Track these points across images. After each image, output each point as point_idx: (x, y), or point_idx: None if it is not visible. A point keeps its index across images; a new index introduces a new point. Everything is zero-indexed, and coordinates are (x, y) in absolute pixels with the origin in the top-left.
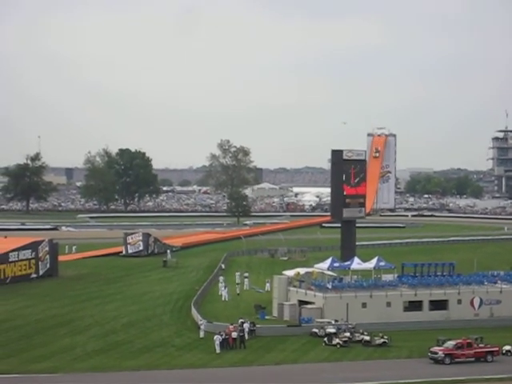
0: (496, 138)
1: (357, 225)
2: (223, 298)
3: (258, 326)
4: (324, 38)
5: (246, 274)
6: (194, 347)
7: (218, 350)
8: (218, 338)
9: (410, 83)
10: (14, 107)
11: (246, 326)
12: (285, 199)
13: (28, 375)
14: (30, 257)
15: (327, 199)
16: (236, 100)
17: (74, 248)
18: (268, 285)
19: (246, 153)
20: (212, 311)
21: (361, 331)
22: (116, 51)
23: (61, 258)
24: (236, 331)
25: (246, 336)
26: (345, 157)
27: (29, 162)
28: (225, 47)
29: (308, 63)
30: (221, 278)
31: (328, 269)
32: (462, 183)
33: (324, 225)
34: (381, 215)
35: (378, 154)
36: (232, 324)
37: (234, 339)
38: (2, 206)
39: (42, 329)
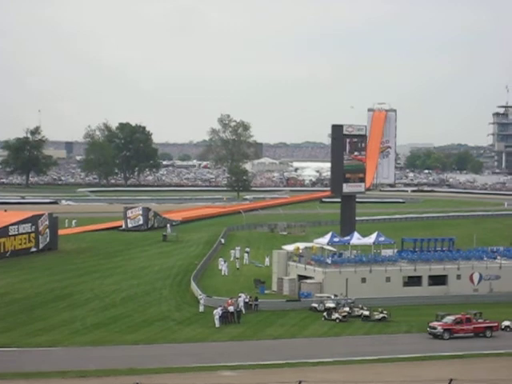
0: (496, 114)
1: (357, 200)
2: (223, 273)
3: (259, 300)
4: (323, 14)
5: (247, 249)
6: (193, 321)
7: (217, 324)
8: (217, 313)
9: (412, 59)
10: (14, 81)
11: (241, 300)
12: (285, 174)
13: (27, 349)
14: (29, 230)
15: (327, 174)
16: (237, 75)
17: (73, 222)
18: (267, 259)
19: (246, 127)
20: (211, 286)
21: (360, 306)
22: (118, 24)
23: (61, 231)
24: (233, 305)
25: (243, 310)
26: (345, 132)
27: (29, 135)
28: (227, 23)
29: (308, 39)
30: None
31: (328, 244)
32: (462, 159)
33: (324, 200)
34: (381, 190)
35: None
36: (231, 298)
37: (232, 313)
38: (2, 180)
39: (41, 302)
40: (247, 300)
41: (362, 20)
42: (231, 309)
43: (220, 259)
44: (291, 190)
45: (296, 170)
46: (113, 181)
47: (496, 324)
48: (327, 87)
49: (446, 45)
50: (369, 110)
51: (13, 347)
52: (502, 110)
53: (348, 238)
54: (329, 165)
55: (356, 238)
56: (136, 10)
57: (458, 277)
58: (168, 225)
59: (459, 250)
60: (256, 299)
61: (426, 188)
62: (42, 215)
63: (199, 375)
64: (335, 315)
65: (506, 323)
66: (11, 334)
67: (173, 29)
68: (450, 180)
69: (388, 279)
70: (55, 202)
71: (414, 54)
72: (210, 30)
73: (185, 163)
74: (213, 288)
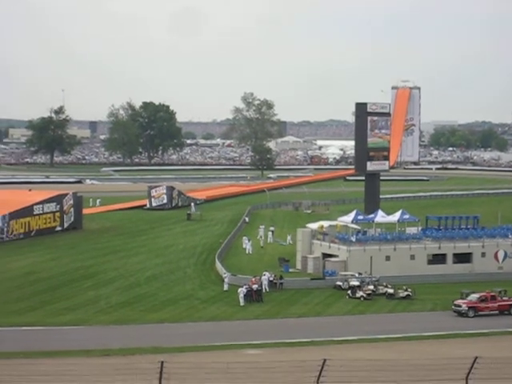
0: None
1: (381, 178)
2: (247, 251)
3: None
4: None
5: (272, 228)
6: (217, 300)
7: (241, 302)
8: (241, 291)
9: (436, 37)
10: (37, 60)
11: (264, 278)
12: (309, 152)
13: (52, 327)
14: (54, 210)
15: (351, 152)
16: (260, 53)
17: (98, 201)
18: (289, 238)
19: (269, 106)
20: (236, 264)
21: (384, 284)
22: (138, 3)
23: (85, 211)
24: (257, 284)
25: (267, 289)
26: (369, 109)
27: (53, 115)
28: (249, 5)
29: (328, 20)
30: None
31: (352, 222)
32: (486, 136)
33: (348, 178)
34: (405, 168)
35: None
36: (255, 277)
37: (256, 292)
38: (27, 160)
39: (66, 281)
40: (272, 278)
41: (385, 2)
42: (255, 287)
43: (244, 238)
44: (315, 169)
45: (320, 148)
46: (137, 160)
47: None
48: (351, 66)
49: (472, 21)
50: (393, 87)
51: (38, 326)
52: None
53: (372, 216)
54: (353, 143)
55: (380, 216)
56: None
57: (483, 254)
58: (192, 203)
59: (484, 228)
60: (281, 277)
61: (450, 166)
62: (66, 194)
63: (224, 353)
64: (360, 293)
65: None
66: (36, 312)
67: (195, 10)
68: (475, 157)
69: (412, 257)
70: (79, 182)
71: (438, 30)
72: (232, 11)
73: (208, 142)
74: (237, 266)
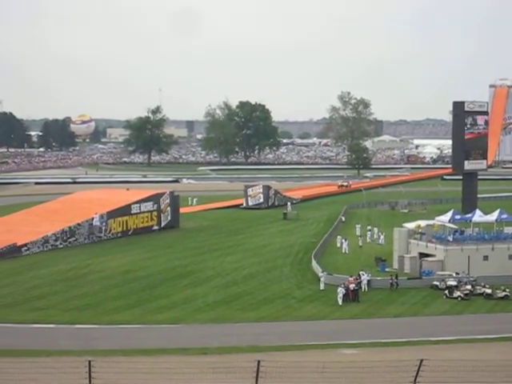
0: None
1: (478, 177)
2: (343, 251)
3: (392, 278)
4: None
5: (369, 227)
6: (314, 299)
7: (340, 302)
8: (341, 291)
9: None
10: (134, 61)
11: (365, 278)
12: (405, 151)
13: (150, 325)
14: (151, 209)
15: (448, 151)
16: (357, 52)
17: (194, 200)
18: (382, 237)
19: (366, 105)
20: (332, 263)
21: (482, 284)
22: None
23: (182, 210)
24: (355, 283)
25: (366, 288)
26: (466, 108)
27: (150, 115)
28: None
29: (426, 14)
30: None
31: (449, 221)
32: None
33: (445, 177)
34: (503, 167)
35: None
36: (351, 276)
37: (352, 291)
38: (124, 159)
39: (163, 280)
40: (369, 278)
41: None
42: (352, 287)
43: (338, 237)
44: (412, 168)
45: (417, 147)
46: (233, 159)
47: None
48: (448, 63)
49: None
50: (490, 86)
51: (135, 324)
52: None
53: (470, 215)
54: (450, 142)
55: (478, 216)
56: None
57: None
58: (288, 203)
59: None
60: (396, 277)
61: None
62: (163, 193)
63: (320, 353)
64: (457, 293)
65: None
66: (134, 311)
67: (292, 9)
68: None
69: (510, 257)
70: (176, 181)
71: None
72: (329, 8)
73: (305, 141)
74: (333, 266)
